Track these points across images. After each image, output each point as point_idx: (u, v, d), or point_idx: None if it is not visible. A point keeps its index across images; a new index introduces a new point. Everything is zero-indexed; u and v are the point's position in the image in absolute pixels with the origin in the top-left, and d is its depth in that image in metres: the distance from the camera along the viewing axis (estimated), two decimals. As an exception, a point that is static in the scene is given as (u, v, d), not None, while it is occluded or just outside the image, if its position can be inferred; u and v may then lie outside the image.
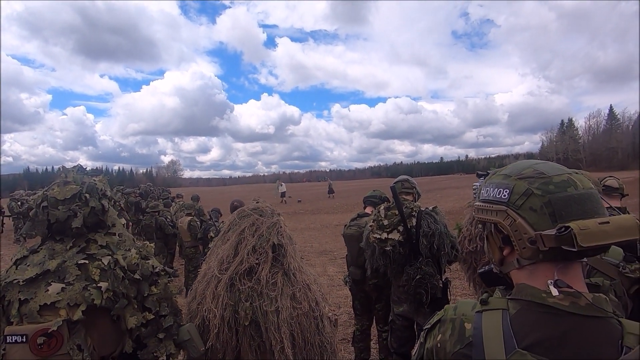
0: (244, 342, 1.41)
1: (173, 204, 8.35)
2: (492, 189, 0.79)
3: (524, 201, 0.72)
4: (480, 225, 0.88)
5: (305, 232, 11.68)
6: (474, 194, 1.31)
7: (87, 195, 1.39)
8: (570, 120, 70.88)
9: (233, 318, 1.39)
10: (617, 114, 63.17)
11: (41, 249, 1.34)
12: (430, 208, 2.40)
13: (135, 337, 1.38)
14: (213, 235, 4.30)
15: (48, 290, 1.22)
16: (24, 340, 1.15)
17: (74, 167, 1.49)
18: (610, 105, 67.02)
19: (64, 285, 1.24)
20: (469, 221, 2.49)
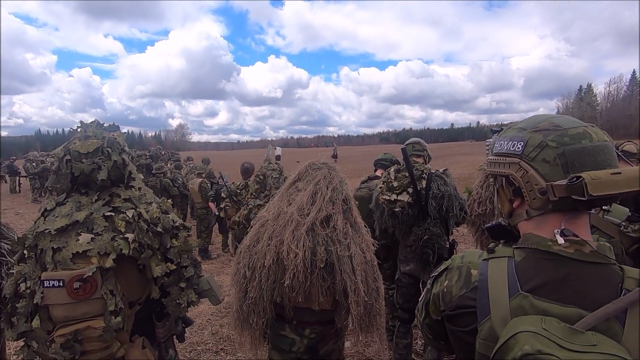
0: (315, 284, 1.51)
1: (184, 166, 8.48)
2: (506, 142, 0.81)
3: (538, 153, 0.74)
4: (491, 180, 0.90)
5: (314, 196, 11.82)
6: (487, 149, 1.32)
7: (109, 149, 1.42)
8: (589, 85, 67.98)
9: (310, 260, 1.48)
10: (640, 79, 60.26)
11: (67, 201, 1.39)
12: (441, 170, 2.42)
13: (159, 286, 1.48)
14: (224, 196, 4.40)
15: (79, 239, 1.29)
16: (61, 284, 1.23)
17: (92, 122, 1.50)
18: (634, 70, 63.52)
19: (93, 236, 1.31)
20: (479, 184, 2.51)
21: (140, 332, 1.45)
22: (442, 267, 0.91)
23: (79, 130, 1.45)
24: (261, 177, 3.39)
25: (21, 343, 1.32)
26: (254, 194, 3.51)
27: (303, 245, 1.49)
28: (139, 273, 1.43)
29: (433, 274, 0.93)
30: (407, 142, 2.75)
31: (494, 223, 0.99)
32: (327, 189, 1.68)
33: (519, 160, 0.77)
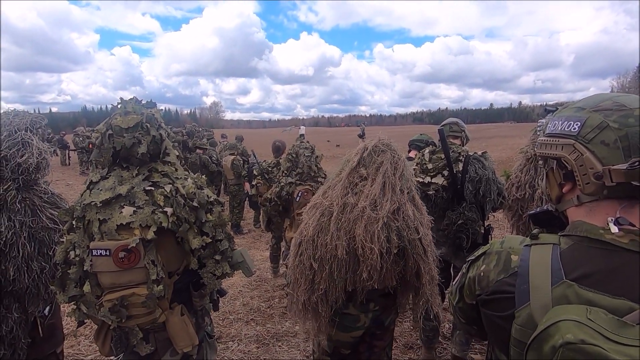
0: (389, 269, 1.50)
1: (218, 143, 8.69)
2: (560, 122, 0.76)
3: (597, 134, 0.69)
4: (541, 162, 0.85)
5: (343, 176, 11.81)
6: (539, 130, 1.24)
7: (147, 124, 1.47)
8: (651, 62, 61.56)
9: (386, 249, 1.47)
10: None
11: (110, 175, 1.47)
12: (479, 153, 2.32)
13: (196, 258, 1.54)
14: (256, 174, 4.49)
15: (122, 212, 1.37)
16: (108, 254, 1.32)
17: (131, 99, 1.56)
18: None
19: (135, 209, 1.38)
20: (519, 168, 2.40)
21: (179, 300, 1.53)
22: (480, 251, 0.88)
23: (119, 106, 1.51)
24: (293, 155, 3.40)
25: (72, 306, 1.44)
26: (285, 171, 3.55)
27: (378, 240, 1.46)
28: (176, 245, 1.50)
29: (470, 258, 0.91)
30: (444, 123, 2.65)
31: (537, 210, 0.95)
32: (395, 176, 1.61)
33: (573, 141, 0.72)
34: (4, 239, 1.50)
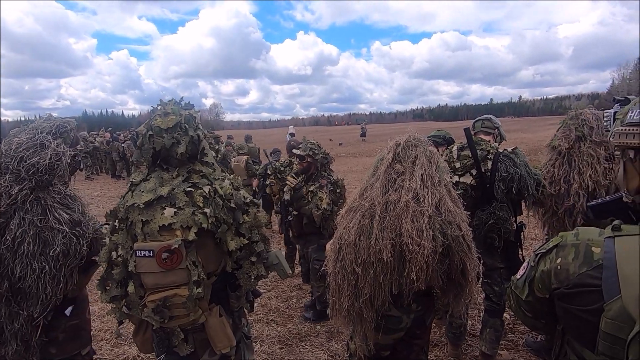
0: (435, 269, 1.48)
1: (222, 142, 8.69)
2: None
3: None
4: (617, 153, 0.83)
5: (349, 175, 11.80)
6: (606, 121, 1.21)
7: (186, 125, 1.48)
8: (651, 53, 61.25)
9: (431, 248, 1.44)
10: None
11: (151, 177, 1.47)
12: (510, 150, 2.29)
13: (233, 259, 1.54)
14: (269, 173, 4.49)
15: (164, 213, 1.36)
16: (151, 254, 1.31)
17: (170, 100, 1.57)
18: None
19: (176, 210, 1.37)
20: (550, 163, 2.36)
21: (217, 301, 1.53)
22: (551, 244, 0.87)
23: (158, 108, 1.52)
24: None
25: (112, 306, 1.44)
26: (297, 172, 3.56)
27: (426, 235, 1.43)
28: (215, 246, 1.50)
29: (539, 251, 0.89)
30: (477, 119, 2.63)
31: (599, 201, 0.94)
32: (432, 168, 1.59)
33: None
34: (12, 236, 1.51)
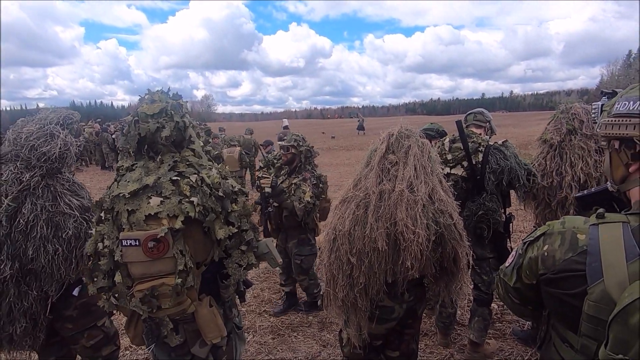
0: (429, 257, 1.50)
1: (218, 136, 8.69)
2: (631, 102, 0.77)
3: None
4: (603, 143, 0.85)
5: (341, 168, 11.81)
6: (594, 113, 1.23)
7: (172, 111, 1.48)
8: (640, 49, 62.13)
9: (425, 236, 1.46)
10: (700, 41, 54.46)
11: (136, 167, 1.45)
12: (500, 142, 2.31)
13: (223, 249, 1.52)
14: (262, 165, 4.47)
15: (150, 202, 1.34)
16: (137, 244, 1.29)
17: (158, 90, 1.56)
18: (694, 31, 57.19)
19: (162, 199, 1.35)
20: (542, 156, 2.40)
21: (207, 292, 1.52)
22: (538, 232, 0.89)
23: (146, 97, 1.52)
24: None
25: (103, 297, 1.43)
26: (281, 164, 3.55)
27: (420, 224, 1.45)
28: (204, 236, 1.48)
29: (527, 239, 0.91)
30: (469, 112, 2.65)
31: (585, 192, 0.98)
32: (424, 158, 1.61)
33: None
34: (25, 220, 1.61)
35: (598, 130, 0.86)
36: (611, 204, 0.89)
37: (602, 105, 1.08)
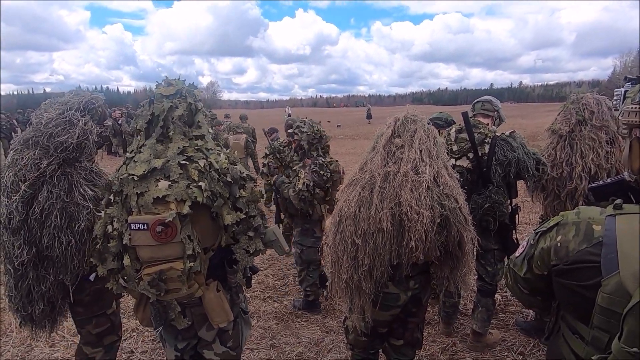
0: (433, 240, 1.50)
1: (222, 123, 8.62)
2: None
3: None
4: (625, 131, 0.83)
5: (347, 157, 11.75)
6: (616, 100, 1.20)
7: (187, 94, 1.52)
8: (655, 41, 60.31)
9: (430, 217, 1.46)
10: None
11: (144, 148, 1.45)
12: (507, 133, 2.27)
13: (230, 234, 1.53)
14: (268, 152, 4.44)
15: (158, 185, 1.35)
16: (146, 228, 1.30)
17: (177, 78, 1.60)
18: None
19: (170, 183, 1.36)
20: (551, 146, 2.35)
21: (215, 277, 1.53)
22: (552, 222, 0.87)
23: (162, 83, 1.57)
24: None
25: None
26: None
27: (424, 204, 1.45)
28: (212, 221, 1.49)
29: (539, 229, 0.90)
30: (477, 100, 2.58)
31: (600, 183, 0.95)
32: (430, 142, 1.61)
33: None
34: (40, 207, 1.61)
35: (620, 117, 0.83)
36: (627, 195, 0.86)
37: (626, 92, 1.05)
